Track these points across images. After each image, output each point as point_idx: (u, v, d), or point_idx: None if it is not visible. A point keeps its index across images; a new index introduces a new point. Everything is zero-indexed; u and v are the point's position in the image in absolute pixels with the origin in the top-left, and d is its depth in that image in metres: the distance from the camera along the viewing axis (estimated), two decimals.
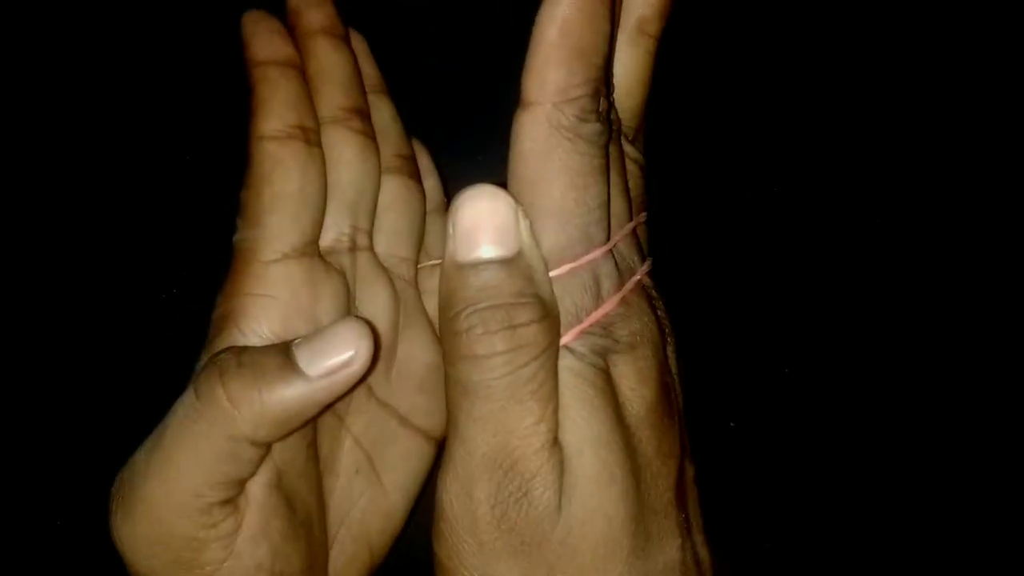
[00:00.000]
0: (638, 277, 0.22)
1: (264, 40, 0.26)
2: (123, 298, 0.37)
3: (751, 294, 0.38)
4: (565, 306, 0.21)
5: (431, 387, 0.29)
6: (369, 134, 0.28)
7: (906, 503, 0.37)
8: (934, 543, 0.37)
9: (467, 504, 0.20)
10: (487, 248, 0.19)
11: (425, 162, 0.32)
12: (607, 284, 0.21)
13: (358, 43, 0.30)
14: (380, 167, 0.28)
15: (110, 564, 0.24)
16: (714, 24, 0.38)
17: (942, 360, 0.38)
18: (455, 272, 0.20)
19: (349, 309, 0.27)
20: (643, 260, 0.23)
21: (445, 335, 0.20)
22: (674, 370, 0.24)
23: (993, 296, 0.38)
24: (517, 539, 0.20)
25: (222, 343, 0.24)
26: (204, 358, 0.24)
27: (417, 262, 0.30)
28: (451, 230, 0.20)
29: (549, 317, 0.20)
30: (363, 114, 0.28)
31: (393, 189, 0.29)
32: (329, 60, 0.28)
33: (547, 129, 0.20)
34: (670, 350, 0.24)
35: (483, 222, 0.19)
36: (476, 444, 0.20)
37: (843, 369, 0.38)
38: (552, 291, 0.20)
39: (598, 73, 0.20)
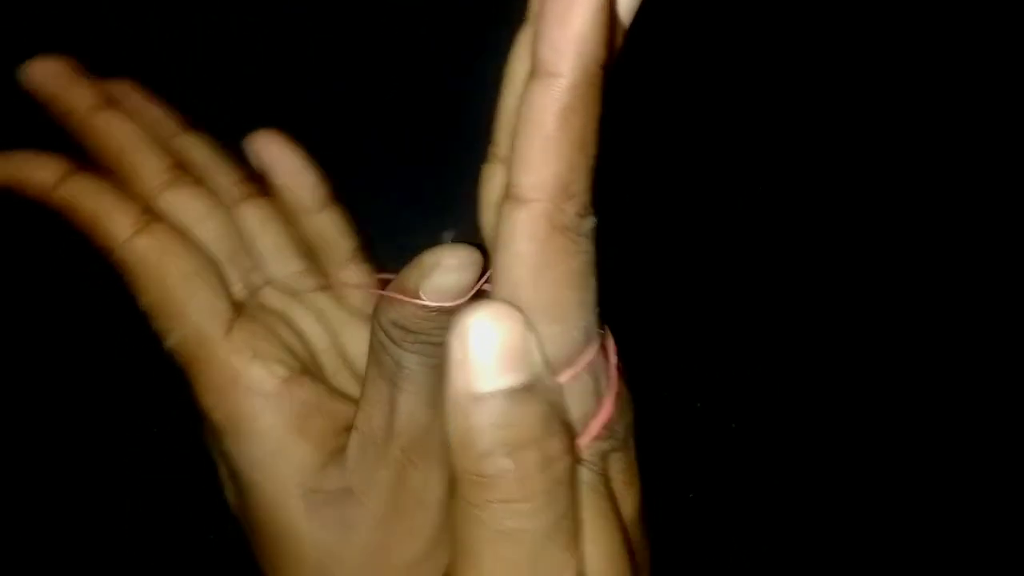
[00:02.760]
0: (616, 362, 0.21)
1: (41, 164, 0.26)
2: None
3: (752, 294, 0.38)
4: (574, 416, 0.19)
5: None
6: (198, 181, 0.28)
7: (905, 504, 0.37)
8: (933, 543, 0.37)
9: None
10: (505, 376, 0.17)
11: (296, 162, 0.30)
12: (604, 380, 0.20)
13: (137, 90, 0.29)
14: (226, 203, 0.28)
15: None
16: (700, 25, 0.38)
17: (941, 360, 0.38)
18: (472, 405, 0.17)
19: (303, 336, 0.27)
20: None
21: (466, 475, 0.18)
22: None
23: (991, 295, 0.38)
24: None
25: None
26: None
27: (311, 268, 0.30)
28: (459, 356, 0.17)
29: (572, 440, 0.18)
30: (182, 164, 0.28)
31: (252, 215, 0.28)
32: (122, 132, 0.27)
33: (547, 230, 0.18)
34: None
35: (497, 347, 0.17)
36: None
37: (844, 369, 0.38)
38: (566, 407, 0.19)
39: (594, 162, 0.18)
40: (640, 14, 0.23)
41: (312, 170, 0.30)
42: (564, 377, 0.19)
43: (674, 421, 0.37)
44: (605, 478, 0.20)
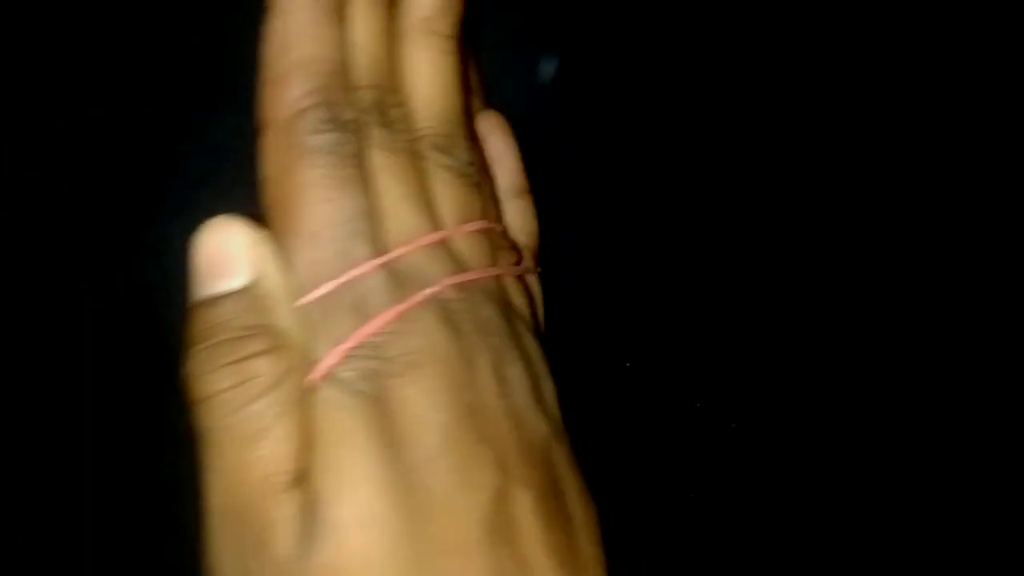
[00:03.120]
0: (430, 290, 0.20)
1: None
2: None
3: (752, 294, 0.38)
4: (324, 331, 0.19)
5: None
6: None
7: (905, 504, 0.37)
8: (933, 543, 0.37)
9: (212, 564, 0.18)
10: (217, 282, 0.19)
11: (506, 146, 0.29)
12: (376, 301, 0.19)
13: None
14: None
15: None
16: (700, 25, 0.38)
17: (941, 360, 0.38)
18: (189, 312, 0.19)
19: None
20: (454, 271, 0.21)
21: (183, 371, 0.19)
22: (525, 384, 0.21)
23: (990, 296, 0.38)
24: None
25: None
26: None
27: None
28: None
29: (282, 347, 0.19)
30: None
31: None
32: None
33: (284, 148, 0.20)
34: (512, 362, 0.21)
35: (213, 256, 0.19)
36: (212, 496, 0.18)
37: (844, 369, 0.38)
38: (294, 319, 0.19)
39: (327, 80, 0.20)
40: (639, 14, 0.23)
41: (518, 158, 0.29)
42: (314, 294, 0.19)
43: (674, 421, 0.37)
44: (372, 400, 0.19)
